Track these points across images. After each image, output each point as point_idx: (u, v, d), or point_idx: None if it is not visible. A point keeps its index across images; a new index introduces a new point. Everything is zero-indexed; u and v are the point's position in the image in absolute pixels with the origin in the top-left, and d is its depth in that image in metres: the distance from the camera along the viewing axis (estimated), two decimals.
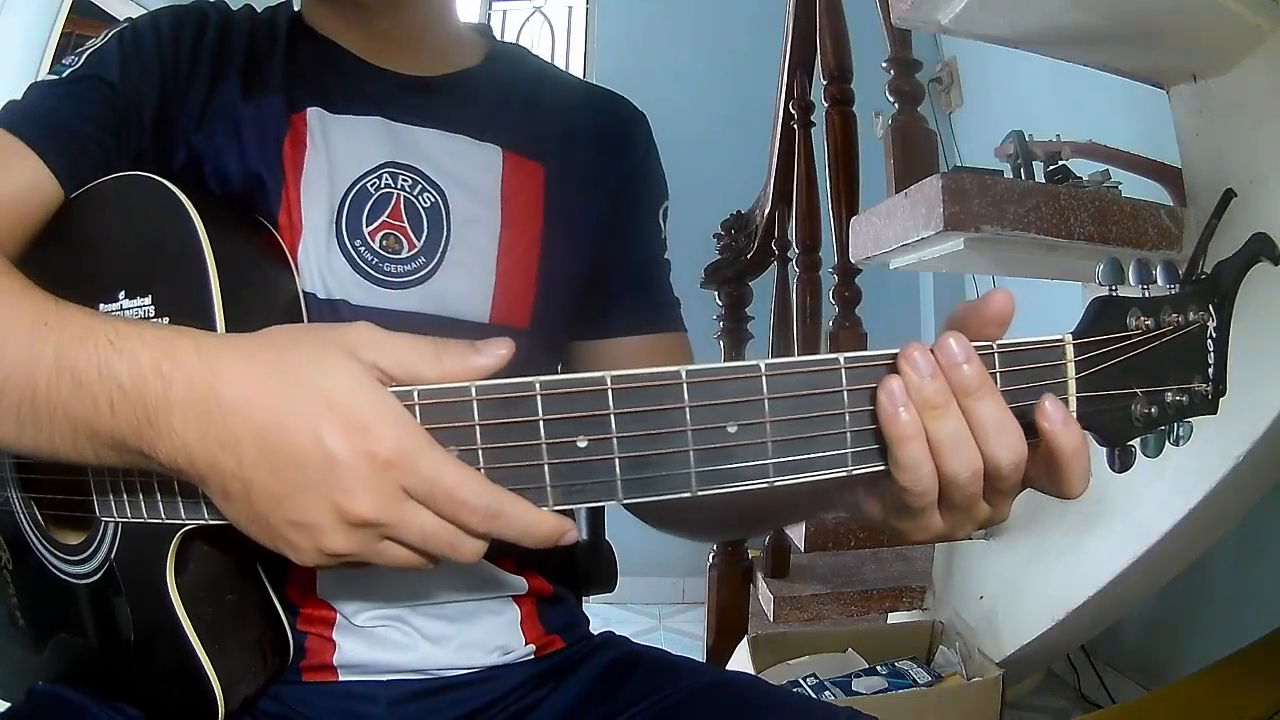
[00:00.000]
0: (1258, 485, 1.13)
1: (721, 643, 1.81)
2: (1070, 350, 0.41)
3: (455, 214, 0.63)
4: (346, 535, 0.40)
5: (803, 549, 1.48)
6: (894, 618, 1.78)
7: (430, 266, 0.62)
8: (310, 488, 0.39)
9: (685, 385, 0.39)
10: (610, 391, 0.39)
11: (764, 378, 0.39)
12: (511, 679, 0.65)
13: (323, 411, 0.39)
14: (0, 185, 0.55)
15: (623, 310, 0.70)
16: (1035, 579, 1.42)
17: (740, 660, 1.61)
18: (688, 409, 0.39)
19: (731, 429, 0.39)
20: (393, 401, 0.40)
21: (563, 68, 0.90)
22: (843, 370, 0.40)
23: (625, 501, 0.40)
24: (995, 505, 0.43)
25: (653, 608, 2.95)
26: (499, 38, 0.76)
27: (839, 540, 1.47)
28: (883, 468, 0.41)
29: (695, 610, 2.70)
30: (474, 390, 0.40)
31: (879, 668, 1.51)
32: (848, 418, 0.40)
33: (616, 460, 0.40)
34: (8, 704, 0.61)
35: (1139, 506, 1.20)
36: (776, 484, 0.40)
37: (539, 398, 0.40)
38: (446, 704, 0.62)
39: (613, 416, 0.39)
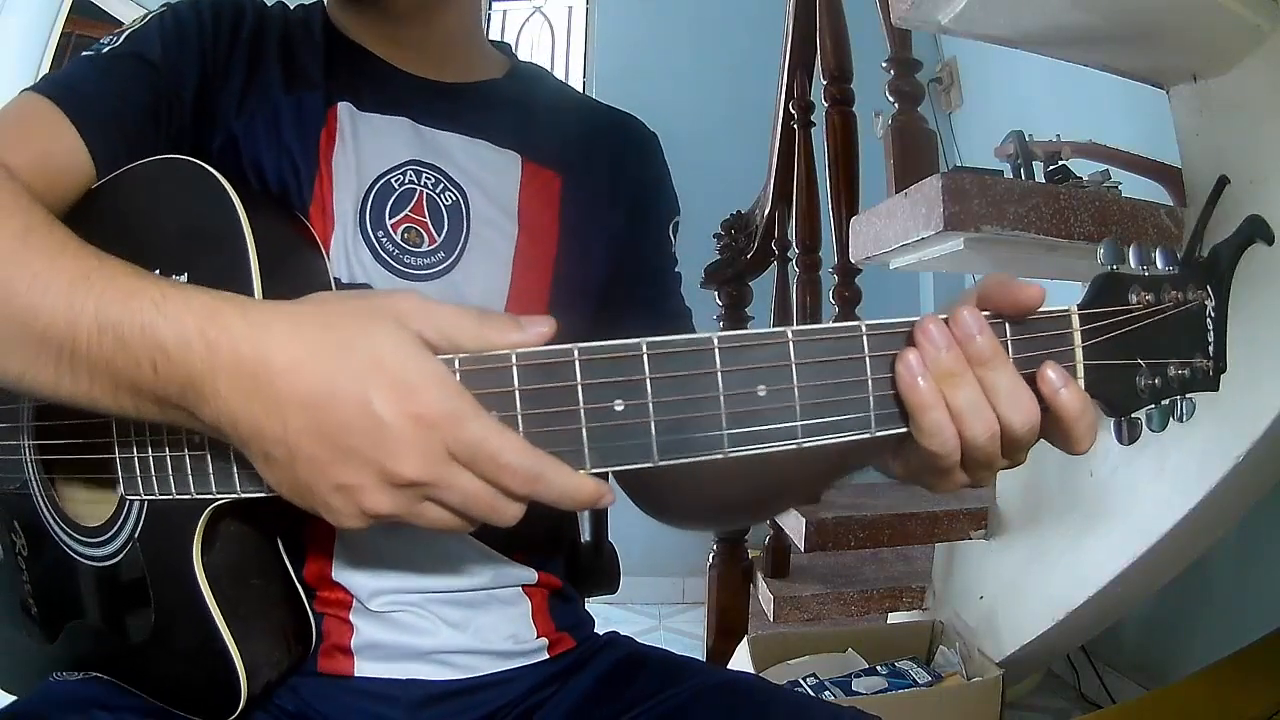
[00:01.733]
0: (1258, 485, 1.13)
1: (721, 643, 1.81)
2: (1076, 320, 0.43)
3: (475, 214, 0.65)
4: (390, 496, 0.40)
5: (803, 549, 1.48)
6: (894, 618, 1.78)
7: (450, 261, 0.63)
8: (357, 451, 0.40)
9: (717, 350, 0.41)
10: (646, 357, 0.41)
11: (790, 343, 0.41)
12: (528, 680, 0.65)
13: (371, 376, 0.39)
14: (37, 146, 0.55)
15: (636, 321, 0.71)
16: (1035, 579, 1.42)
17: (740, 660, 1.61)
18: (720, 374, 0.41)
19: (761, 392, 0.41)
20: (439, 366, 0.41)
21: (565, 76, 0.91)
22: (864, 337, 0.42)
23: (661, 463, 0.42)
24: (1013, 458, 0.45)
25: (653, 608, 2.95)
26: (517, 54, 0.77)
27: (839, 540, 1.47)
28: (904, 430, 0.43)
29: (695, 610, 2.70)
30: (514, 357, 0.42)
31: (879, 668, 1.51)
32: (870, 383, 0.42)
33: (652, 422, 0.41)
34: (15, 697, 0.61)
35: (1139, 506, 1.20)
36: (804, 445, 0.42)
37: (577, 363, 0.41)
38: (464, 707, 0.63)
39: (648, 381, 0.41)
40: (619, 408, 0.41)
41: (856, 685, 1.45)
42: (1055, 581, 1.36)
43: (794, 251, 1.87)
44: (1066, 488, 1.35)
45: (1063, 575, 1.35)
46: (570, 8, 3.50)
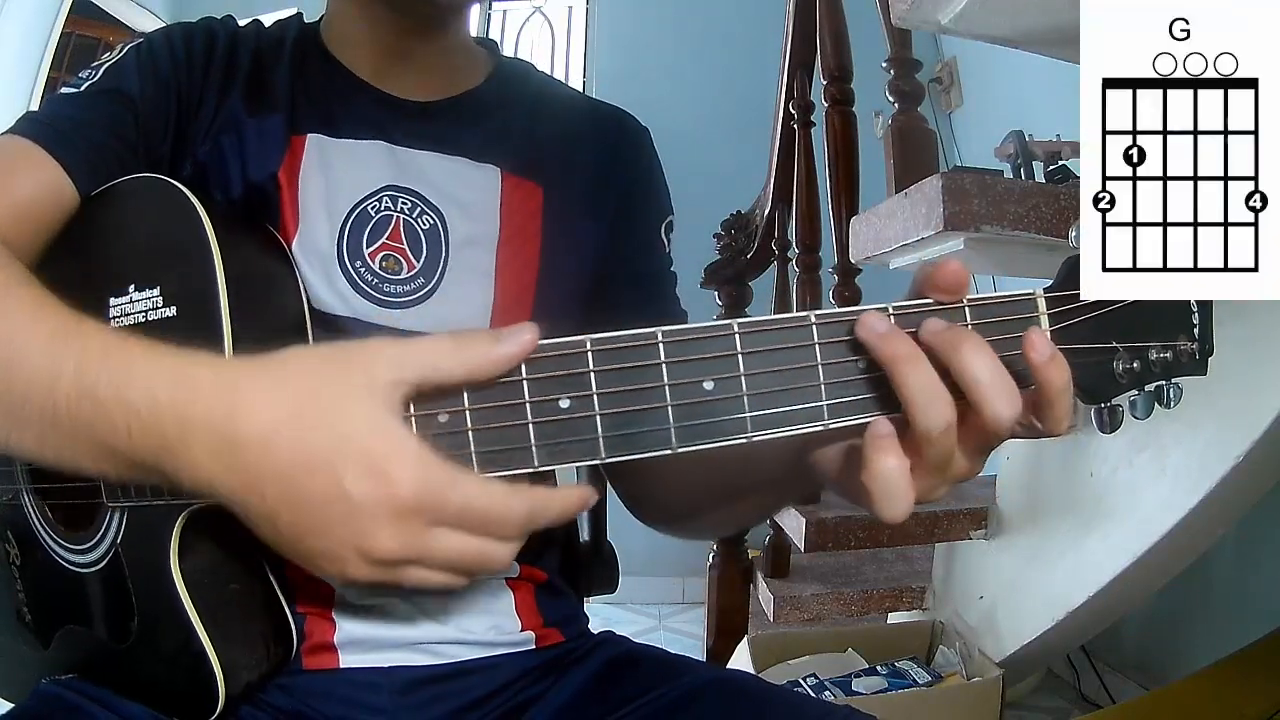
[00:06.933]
0: (1258, 485, 1.13)
1: (721, 643, 1.81)
2: (1042, 304, 0.42)
3: (454, 236, 0.64)
4: (371, 568, 0.41)
5: (803, 549, 1.48)
6: (894, 618, 1.78)
7: (429, 287, 0.63)
8: (333, 527, 0.40)
9: (661, 344, 0.41)
10: (590, 353, 0.41)
11: (737, 335, 0.41)
12: (513, 669, 0.65)
13: (342, 454, 0.39)
14: (21, 191, 0.56)
15: (629, 326, 0.70)
16: (1035, 579, 1.42)
17: (740, 660, 1.61)
18: (664, 367, 0.41)
19: (708, 385, 0.41)
20: (410, 440, 0.40)
21: (565, 76, 0.90)
22: (814, 326, 0.41)
23: (608, 459, 0.41)
24: (975, 464, 0.42)
25: (653, 608, 2.95)
26: (504, 48, 0.76)
27: (839, 540, 1.47)
28: (857, 421, 0.41)
29: (695, 610, 2.70)
30: None
31: (879, 668, 1.51)
32: (821, 371, 0.41)
33: (598, 418, 0.41)
34: (12, 704, 0.61)
35: (1139, 506, 1.21)
36: (755, 438, 0.41)
37: (522, 361, 0.41)
38: (448, 692, 0.63)
39: (592, 376, 0.41)
40: (564, 404, 0.41)
41: (856, 685, 1.45)
42: (1055, 581, 1.37)
43: (794, 251, 1.87)
44: (1066, 488, 1.35)
45: (1063, 575, 1.35)
46: (570, 8, 3.50)
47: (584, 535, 0.89)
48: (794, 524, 1.49)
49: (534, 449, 0.41)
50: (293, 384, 0.41)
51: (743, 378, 0.41)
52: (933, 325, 0.40)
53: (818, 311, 0.41)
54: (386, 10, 0.65)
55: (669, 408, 0.41)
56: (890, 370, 0.39)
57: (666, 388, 0.41)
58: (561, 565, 0.72)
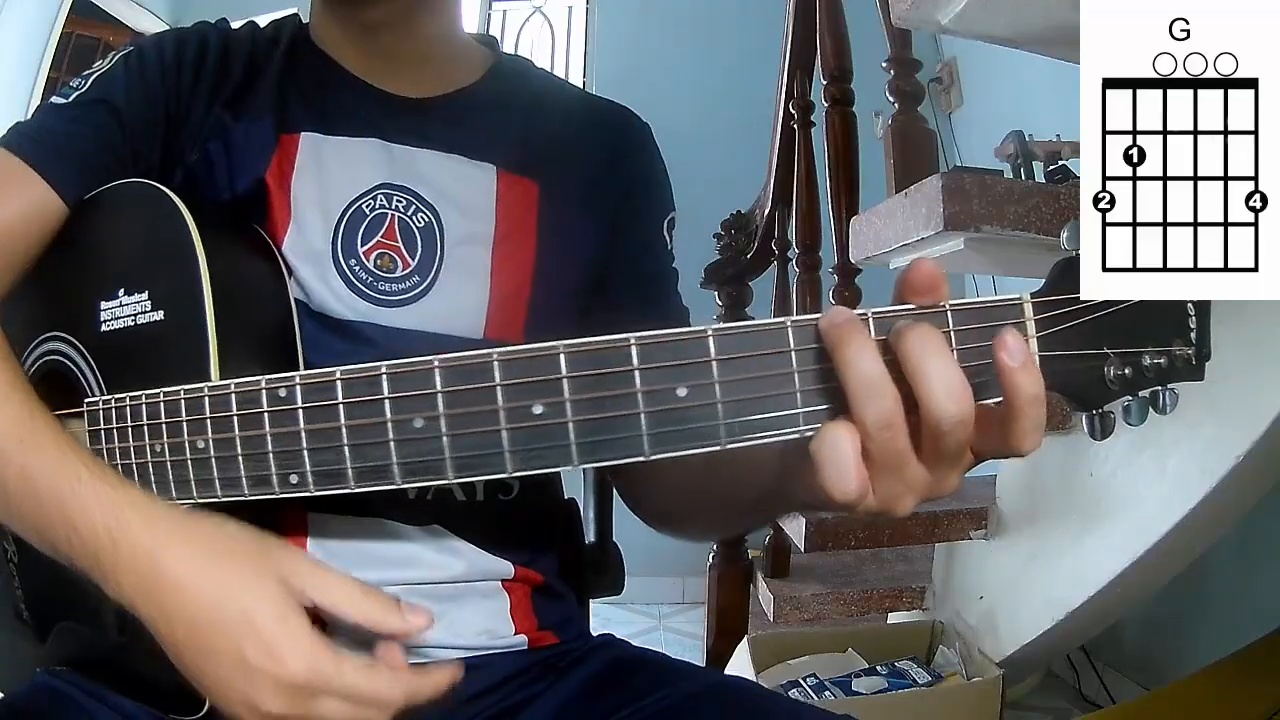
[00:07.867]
0: (1258, 485, 1.13)
1: (721, 643, 1.81)
2: (1029, 309, 0.40)
3: (449, 234, 0.64)
4: (257, 717, 0.46)
5: (803, 549, 1.48)
6: (894, 618, 1.78)
7: (424, 285, 0.63)
8: (230, 679, 0.45)
9: (634, 349, 0.40)
10: (563, 358, 0.40)
11: (711, 340, 0.40)
12: (504, 668, 0.65)
13: (244, 627, 0.45)
14: (13, 207, 0.57)
15: (630, 324, 0.70)
16: (1035, 579, 1.42)
17: (740, 660, 1.61)
18: (637, 372, 0.40)
19: (681, 392, 0.40)
20: (305, 630, 0.45)
21: (565, 76, 0.90)
22: (789, 331, 0.40)
23: (581, 466, 0.41)
24: (939, 473, 0.40)
25: (653, 608, 2.95)
26: (504, 48, 0.75)
27: (839, 540, 1.47)
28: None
29: (695, 610, 2.70)
30: (436, 361, 0.42)
31: (879, 668, 1.51)
32: (796, 378, 0.39)
33: (570, 424, 0.40)
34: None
35: (1139, 506, 1.21)
36: (728, 445, 0.40)
37: (496, 365, 0.41)
38: None
39: (565, 381, 0.40)
40: (537, 410, 0.40)
41: (856, 685, 1.45)
42: (1055, 581, 1.37)
43: (794, 251, 1.87)
44: (1066, 488, 1.35)
45: (1063, 575, 1.35)
46: (570, 8, 3.50)
47: (589, 537, 0.88)
48: (794, 524, 1.49)
49: (507, 455, 0.41)
50: (217, 548, 0.47)
51: (716, 384, 0.39)
52: (896, 324, 0.38)
53: (794, 317, 0.40)
54: None
55: (641, 414, 0.40)
56: (832, 356, 0.38)
57: (639, 394, 0.40)
58: (561, 567, 0.71)
